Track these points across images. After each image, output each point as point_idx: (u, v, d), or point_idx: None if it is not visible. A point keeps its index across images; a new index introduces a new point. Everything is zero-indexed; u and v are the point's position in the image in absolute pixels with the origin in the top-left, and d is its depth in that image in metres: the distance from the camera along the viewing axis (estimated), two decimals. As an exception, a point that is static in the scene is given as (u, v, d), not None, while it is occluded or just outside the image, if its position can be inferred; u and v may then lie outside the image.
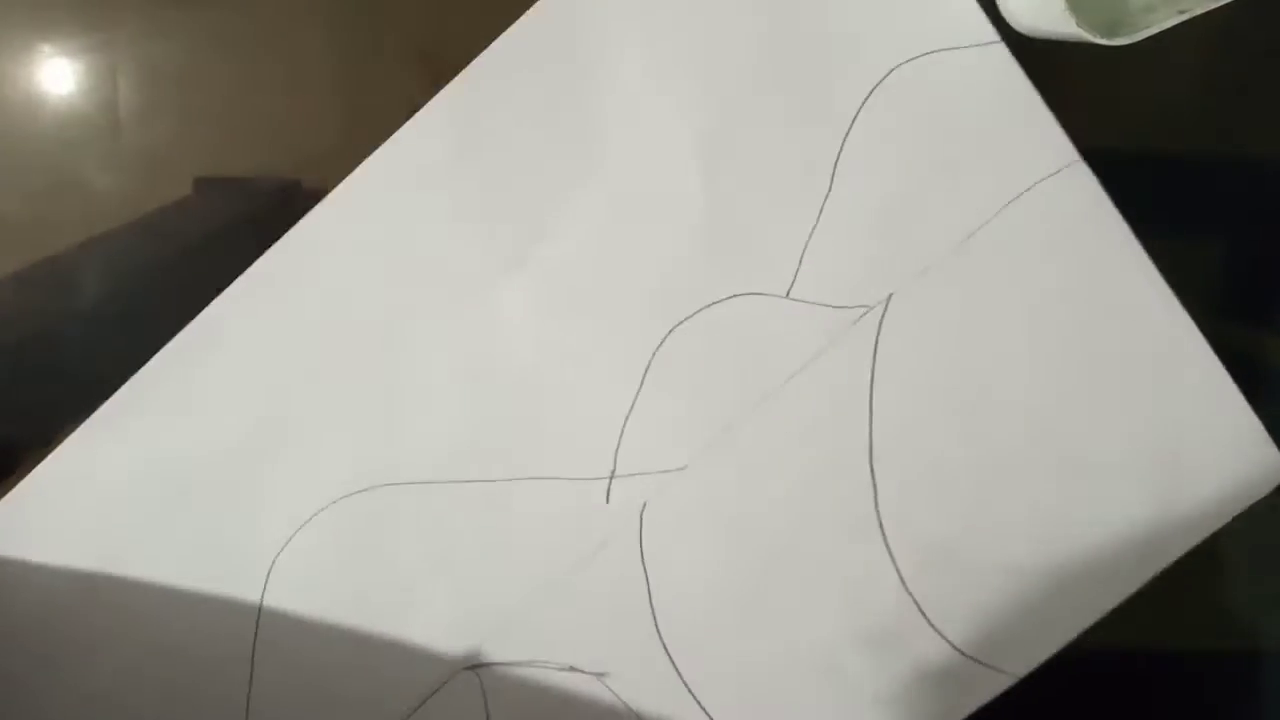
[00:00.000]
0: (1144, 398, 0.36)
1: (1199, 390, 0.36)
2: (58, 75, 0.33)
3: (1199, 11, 0.30)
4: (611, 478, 0.35)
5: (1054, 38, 0.32)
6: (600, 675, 0.36)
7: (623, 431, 0.35)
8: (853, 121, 0.34)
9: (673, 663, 0.36)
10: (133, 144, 0.34)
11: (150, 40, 0.33)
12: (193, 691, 0.35)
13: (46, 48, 0.33)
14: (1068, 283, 0.35)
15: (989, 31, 0.34)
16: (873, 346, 0.35)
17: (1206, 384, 0.36)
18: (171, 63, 0.34)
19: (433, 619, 0.35)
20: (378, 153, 0.34)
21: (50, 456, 0.34)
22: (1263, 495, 0.36)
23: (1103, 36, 0.29)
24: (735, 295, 0.35)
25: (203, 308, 0.34)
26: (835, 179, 0.34)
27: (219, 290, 0.34)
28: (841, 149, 0.34)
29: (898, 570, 0.36)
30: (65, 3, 0.33)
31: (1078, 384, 0.35)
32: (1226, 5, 0.30)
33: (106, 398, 0.34)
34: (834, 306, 0.35)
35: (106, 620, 0.35)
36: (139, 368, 0.34)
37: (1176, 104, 0.36)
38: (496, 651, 0.36)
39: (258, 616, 0.35)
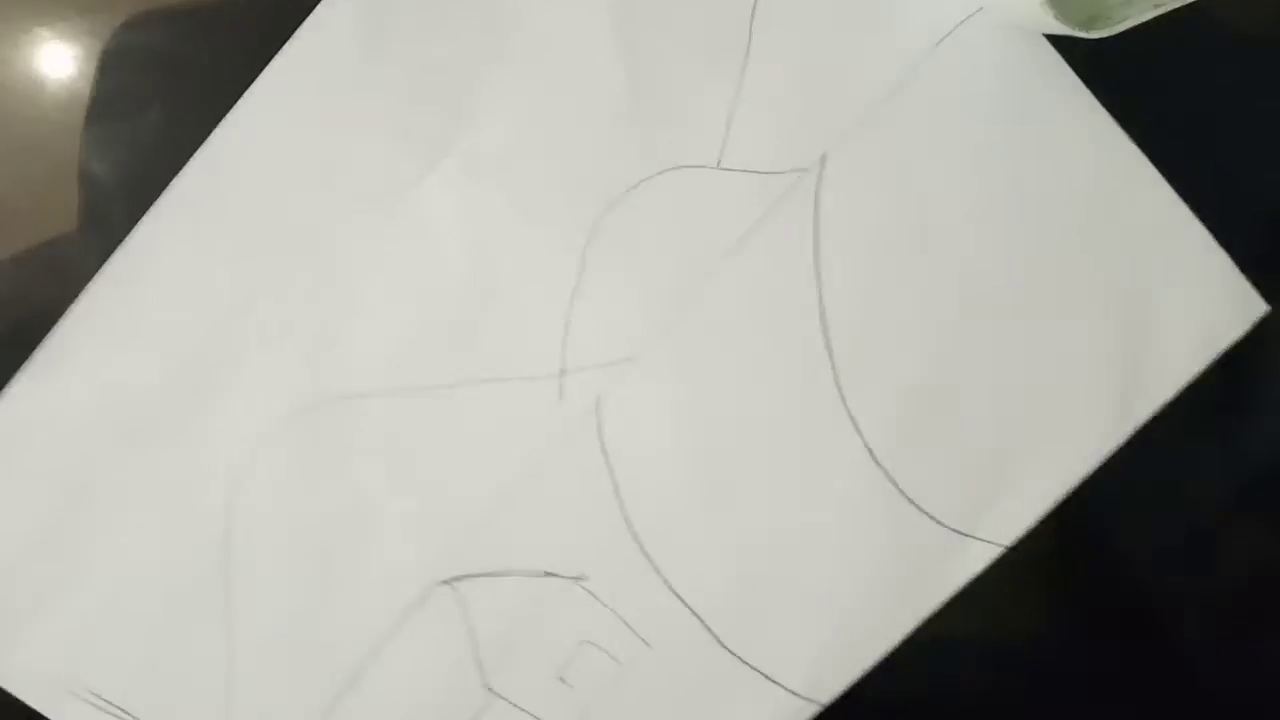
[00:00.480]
0: (1102, 238, 0.35)
1: (1160, 227, 0.35)
2: (56, 60, 0.33)
3: (1175, 6, 0.30)
4: (562, 374, 0.34)
5: (1034, 30, 0.32)
6: (578, 579, 0.35)
7: (567, 324, 0.34)
8: (762, -28, 0.33)
9: (648, 557, 0.35)
10: (132, 129, 0.33)
11: (149, 24, 0.33)
12: (170, 628, 0.35)
13: (45, 32, 0.33)
14: (1011, 123, 0.34)
15: None
16: (813, 210, 0.34)
17: (1168, 220, 0.34)
18: (171, 47, 0.33)
19: (400, 534, 0.35)
20: (277, 58, 0.33)
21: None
22: (1239, 336, 0.35)
23: (1080, 29, 0.29)
24: (664, 171, 0.34)
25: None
26: (753, 34, 0.33)
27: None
28: (755, 3, 0.33)
29: (864, 441, 0.35)
30: None
31: (1031, 229, 0.34)
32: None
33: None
34: (767, 173, 0.34)
35: (72, 565, 0.35)
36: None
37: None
38: (470, 563, 0.35)
39: (227, 546, 0.35)
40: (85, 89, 0.34)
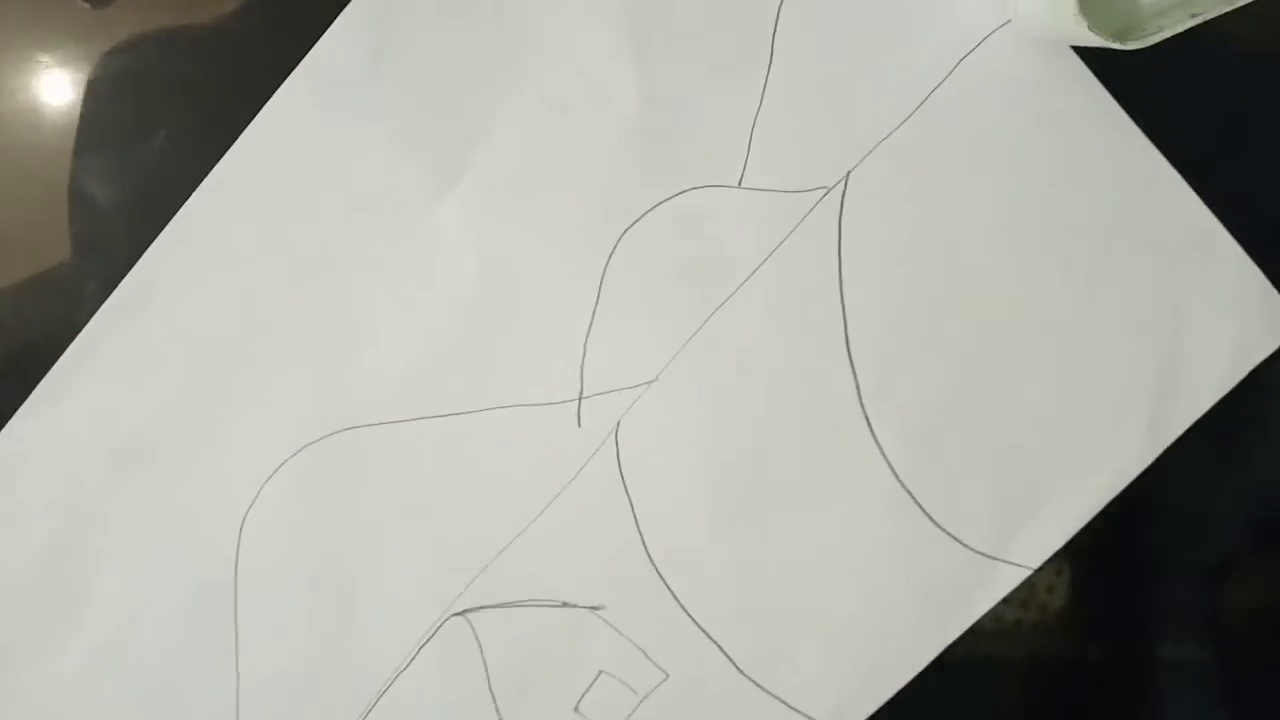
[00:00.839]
0: (1131, 254, 0.34)
1: (1190, 241, 0.34)
2: (55, 87, 0.33)
3: (1212, 15, 0.29)
4: (580, 399, 0.34)
5: (1064, 42, 0.32)
6: (595, 609, 0.35)
7: (585, 348, 0.33)
8: (784, -12, 0.33)
9: (667, 586, 0.34)
10: (131, 154, 0.33)
11: (147, 49, 0.33)
12: (177, 663, 0.34)
13: (44, 58, 0.33)
14: (1038, 138, 0.33)
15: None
16: (836, 230, 0.33)
17: (1199, 234, 0.34)
18: (170, 71, 0.33)
19: (414, 565, 0.34)
20: (291, 78, 0.32)
21: (-5, 438, 0.33)
22: (1271, 351, 0.34)
23: (1115, 41, 0.29)
24: (684, 190, 0.33)
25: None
26: (775, 52, 0.33)
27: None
28: (778, 18, 0.33)
29: (889, 465, 0.34)
30: (62, 13, 0.33)
31: (1057, 246, 0.34)
32: (1240, 8, 0.29)
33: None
34: (790, 191, 0.33)
35: (79, 599, 0.34)
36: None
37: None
38: (484, 594, 0.35)
39: (235, 580, 0.34)
40: (84, 114, 0.34)
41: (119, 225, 0.33)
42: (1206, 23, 0.29)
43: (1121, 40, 0.29)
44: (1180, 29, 0.29)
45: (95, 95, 0.33)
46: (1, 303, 0.34)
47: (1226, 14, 0.29)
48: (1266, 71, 0.35)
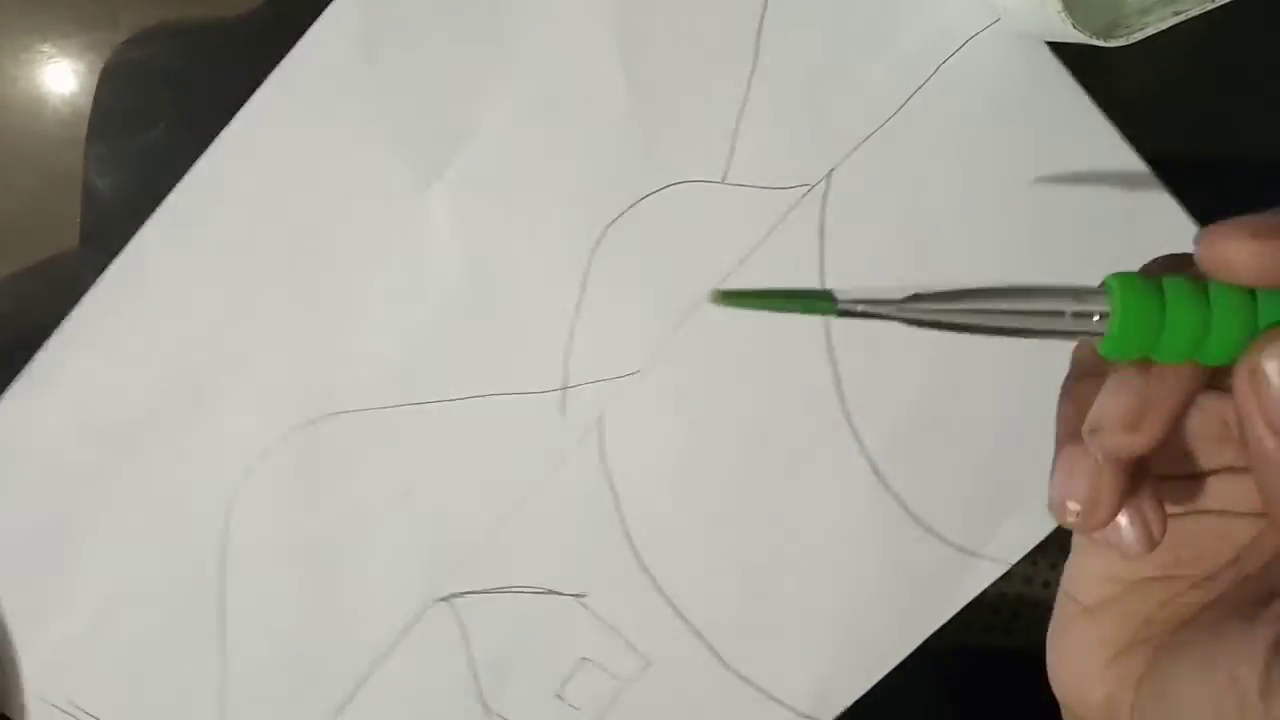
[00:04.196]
0: (1111, 255, 0.34)
1: (1168, 244, 0.34)
2: (59, 76, 0.33)
3: (1195, 12, 0.29)
4: (565, 389, 0.34)
5: (1049, 39, 0.32)
6: (578, 596, 0.35)
7: (571, 339, 0.34)
8: (770, -13, 0.33)
9: (650, 574, 0.35)
10: (132, 143, 0.33)
11: (149, 39, 0.33)
12: (164, 645, 0.35)
13: (47, 48, 0.33)
14: (1017, 140, 0.34)
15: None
16: (818, 226, 0.34)
17: (1175, 237, 0.34)
18: (175, 62, 0.33)
19: (398, 551, 0.35)
20: (282, 65, 0.32)
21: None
22: (1248, 350, 0.35)
23: (1099, 38, 0.29)
24: (669, 185, 0.33)
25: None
26: (759, 50, 0.33)
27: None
28: (763, 17, 0.33)
29: (869, 459, 0.34)
30: (65, 3, 0.33)
31: (1038, 246, 0.34)
32: (1223, 5, 0.29)
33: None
34: (774, 188, 0.34)
35: (67, 580, 0.34)
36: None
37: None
38: (468, 580, 0.35)
39: (222, 564, 0.34)
40: (87, 105, 0.34)
41: (119, 214, 0.33)
42: (1189, 20, 0.29)
43: (1105, 37, 0.29)
44: (1163, 26, 0.29)
45: (97, 85, 0.33)
46: (1, 290, 0.34)
47: (1209, 11, 0.29)
48: (1247, 70, 0.35)
